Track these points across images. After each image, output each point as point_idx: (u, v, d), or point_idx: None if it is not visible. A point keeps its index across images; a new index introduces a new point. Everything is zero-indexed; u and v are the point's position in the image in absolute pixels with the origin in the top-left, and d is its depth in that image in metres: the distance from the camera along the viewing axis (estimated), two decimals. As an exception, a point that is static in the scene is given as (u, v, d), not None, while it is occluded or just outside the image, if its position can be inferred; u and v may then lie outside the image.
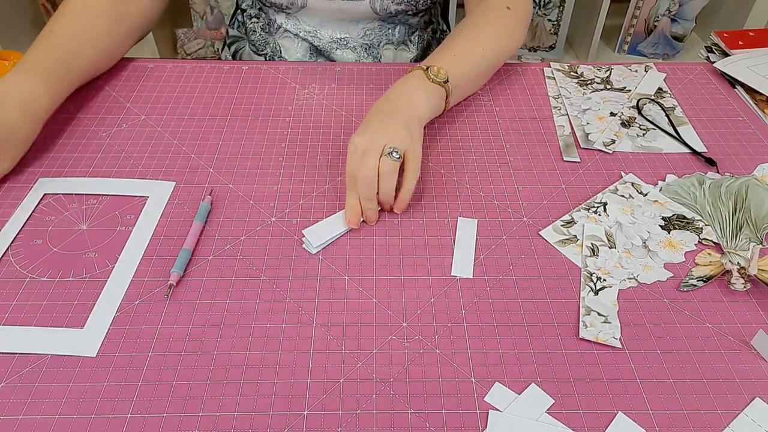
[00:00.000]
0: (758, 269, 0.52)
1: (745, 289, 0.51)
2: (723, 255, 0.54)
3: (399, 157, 0.55)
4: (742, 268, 0.52)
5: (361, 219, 0.57)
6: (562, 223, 0.57)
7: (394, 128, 0.57)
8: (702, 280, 0.52)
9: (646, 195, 0.60)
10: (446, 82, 0.64)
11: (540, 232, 0.56)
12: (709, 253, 0.55)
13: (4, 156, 0.59)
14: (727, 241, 0.55)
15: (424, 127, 0.63)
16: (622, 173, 0.63)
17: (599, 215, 0.58)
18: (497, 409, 0.43)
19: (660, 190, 0.61)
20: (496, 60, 0.72)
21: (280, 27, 0.84)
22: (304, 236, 0.55)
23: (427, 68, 0.64)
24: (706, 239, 0.56)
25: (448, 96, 0.65)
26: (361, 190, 0.55)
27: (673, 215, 0.58)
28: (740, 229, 0.56)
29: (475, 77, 0.70)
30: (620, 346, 0.47)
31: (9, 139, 0.59)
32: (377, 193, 0.56)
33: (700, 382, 0.45)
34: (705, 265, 0.53)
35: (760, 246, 0.55)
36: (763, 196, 0.59)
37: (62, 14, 0.68)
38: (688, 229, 0.57)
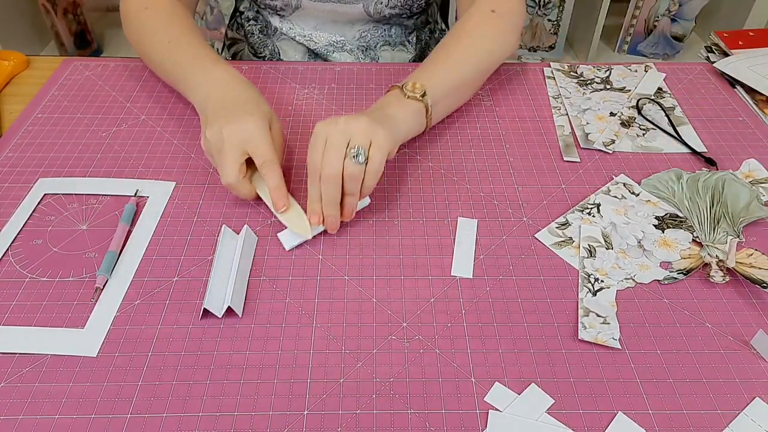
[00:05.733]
0: (736, 262, 0.52)
1: (724, 281, 0.51)
2: (702, 248, 0.55)
3: (364, 161, 0.52)
4: (721, 260, 0.53)
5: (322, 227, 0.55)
6: (557, 225, 0.57)
7: (361, 123, 0.53)
8: (682, 272, 0.53)
9: (638, 195, 0.60)
10: (424, 95, 0.60)
11: (535, 235, 0.56)
12: (689, 247, 0.55)
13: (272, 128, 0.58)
14: (705, 235, 0.56)
15: (417, 138, 0.63)
16: (623, 173, 0.63)
17: (593, 216, 0.58)
18: (497, 409, 0.43)
19: (640, 185, 0.61)
20: (485, 66, 0.69)
21: (277, 30, 0.84)
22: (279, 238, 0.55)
23: (402, 85, 0.60)
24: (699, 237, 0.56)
25: (428, 111, 0.61)
26: (324, 191, 0.53)
27: (666, 214, 0.58)
28: (718, 222, 0.57)
29: (460, 87, 0.66)
30: (619, 347, 0.47)
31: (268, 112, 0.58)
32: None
33: (700, 382, 0.45)
34: (685, 258, 0.54)
35: (738, 239, 0.55)
36: (738, 191, 0.60)
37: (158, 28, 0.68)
38: (681, 228, 0.57)
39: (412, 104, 0.60)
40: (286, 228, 0.55)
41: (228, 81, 0.60)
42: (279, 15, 0.82)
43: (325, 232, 0.56)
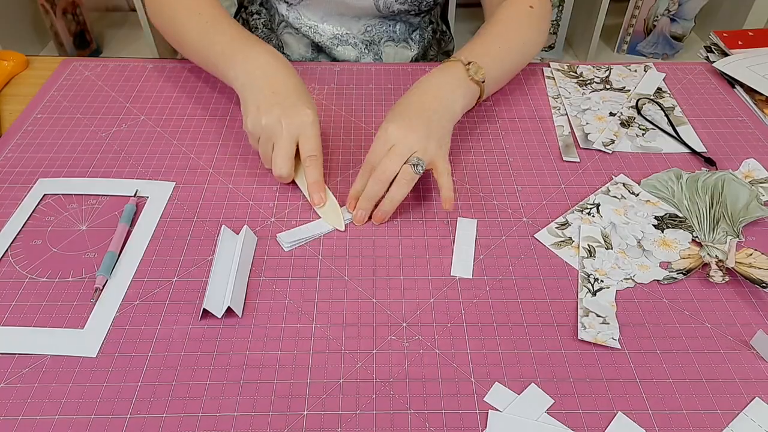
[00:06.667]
0: (736, 262, 0.52)
1: (723, 281, 0.52)
2: (701, 248, 0.55)
3: (421, 172, 0.55)
4: (720, 260, 0.53)
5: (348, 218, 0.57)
6: (557, 225, 0.57)
7: (431, 139, 0.56)
8: (682, 272, 0.53)
9: (637, 195, 0.60)
10: (483, 82, 0.63)
11: (535, 235, 0.56)
12: (688, 246, 0.55)
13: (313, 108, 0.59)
14: (704, 235, 0.56)
15: None
16: (622, 173, 0.63)
17: (593, 216, 0.58)
18: (497, 409, 0.43)
19: (640, 185, 0.61)
20: (527, 58, 0.73)
21: (282, 22, 0.84)
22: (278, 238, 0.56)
23: (468, 64, 0.63)
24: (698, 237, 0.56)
25: (481, 96, 0.64)
26: (369, 185, 0.55)
27: (665, 214, 0.58)
28: (717, 222, 0.57)
29: (507, 76, 0.71)
30: (619, 347, 0.47)
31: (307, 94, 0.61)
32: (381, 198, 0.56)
33: (700, 382, 0.45)
34: (684, 258, 0.54)
35: (737, 239, 0.55)
36: (738, 191, 0.60)
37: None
38: (681, 228, 0.57)
39: (471, 87, 0.63)
40: (320, 218, 0.57)
41: (273, 64, 0.61)
42: (286, 3, 0.82)
43: (326, 234, 0.56)
